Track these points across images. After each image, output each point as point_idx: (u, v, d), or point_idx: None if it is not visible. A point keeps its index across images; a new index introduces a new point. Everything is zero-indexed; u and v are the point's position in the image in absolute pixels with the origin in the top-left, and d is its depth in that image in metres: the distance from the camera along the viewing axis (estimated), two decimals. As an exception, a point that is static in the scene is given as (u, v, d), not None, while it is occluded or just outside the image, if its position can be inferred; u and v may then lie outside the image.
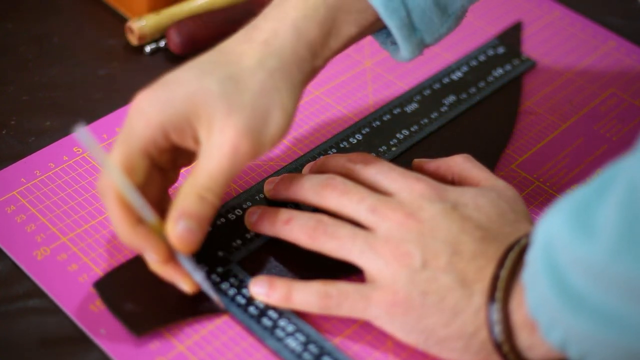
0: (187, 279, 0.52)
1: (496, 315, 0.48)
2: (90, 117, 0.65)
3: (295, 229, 0.53)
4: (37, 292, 0.54)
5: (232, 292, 0.53)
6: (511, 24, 0.78)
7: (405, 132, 0.65)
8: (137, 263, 0.53)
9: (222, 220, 0.57)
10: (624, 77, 0.74)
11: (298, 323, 0.52)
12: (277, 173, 0.61)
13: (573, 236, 0.43)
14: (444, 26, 0.56)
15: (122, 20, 0.75)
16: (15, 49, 0.72)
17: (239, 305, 0.53)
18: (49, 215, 0.58)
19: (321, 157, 0.59)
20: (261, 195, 0.59)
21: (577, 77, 0.74)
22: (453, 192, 0.53)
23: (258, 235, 0.57)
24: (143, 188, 0.51)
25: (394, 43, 0.58)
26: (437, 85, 0.70)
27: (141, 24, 0.71)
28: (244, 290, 0.53)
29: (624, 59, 0.76)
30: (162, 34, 0.73)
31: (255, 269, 0.55)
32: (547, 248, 0.45)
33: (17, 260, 0.55)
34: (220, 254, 0.55)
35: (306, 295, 0.51)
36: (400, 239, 0.50)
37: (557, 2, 0.82)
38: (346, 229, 0.52)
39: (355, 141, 0.64)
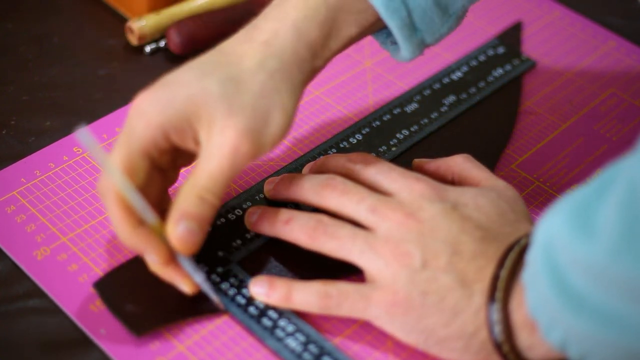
0: (188, 280, 0.52)
1: (496, 315, 0.48)
2: (90, 117, 0.65)
3: (295, 229, 0.53)
4: (37, 292, 0.54)
5: (232, 292, 0.53)
6: (511, 24, 0.78)
7: (405, 132, 0.65)
8: (137, 263, 0.53)
9: (222, 220, 0.57)
10: (624, 77, 0.74)
11: (298, 323, 0.52)
12: (277, 173, 0.61)
13: (573, 236, 0.43)
14: (445, 26, 0.56)
15: (122, 20, 0.75)
16: (15, 49, 0.72)
17: (239, 305, 0.53)
18: (49, 215, 0.58)
19: (321, 157, 0.59)
20: (261, 195, 0.59)
21: (577, 77, 0.74)
22: (453, 192, 0.53)
23: (258, 235, 0.57)
24: (143, 189, 0.51)
25: (394, 43, 0.58)
26: (437, 85, 0.70)
27: (141, 24, 0.71)
28: (244, 290, 0.53)
29: (624, 59, 0.76)
30: (162, 34, 0.73)
31: (255, 269, 0.55)
32: (547, 248, 0.45)
33: (17, 260, 0.55)
34: (220, 254, 0.55)
35: (306, 295, 0.51)
36: (400, 239, 0.50)
37: (557, 2, 0.82)
38: (346, 229, 0.52)
39: (355, 141, 0.64)
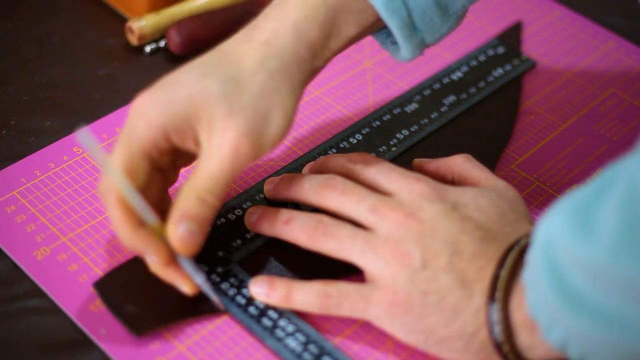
0: (188, 281, 0.52)
1: (496, 315, 0.48)
2: (90, 117, 0.65)
3: (295, 229, 0.53)
4: (37, 292, 0.54)
5: (232, 292, 0.53)
6: (511, 24, 0.78)
7: (405, 132, 0.65)
8: (137, 263, 0.53)
9: (222, 220, 0.57)
10: (624, 77, 0.74)
11: (298, 323, 0.52)
12: (277, 173, 0.61)
13: (573, 236, 0.43)
14: (445, 26, 0.56)
15: (122, 20, 0.75)
16: (15, 49, 0.72)
17: (239, 305, 0.53)
18: (49, 215, 0.58)
19: (321, 157, 0.59)
20: (261, 195, 0.59)
21: (577, 77, 0.74)
22: (453, 192, 0.53)
23: (258, 235, 0.57)
24: (143, 189, 0.51)
25: (394, 43, 0.58)
26: (437, 85, 0.70)
27: (141, 24, 0.71)
28: (244, 290, 0.53)
29: (624, 59, 0.76)
30: (162, 34, 0.73)
31: (255, 269, 0.55)
32: (547, 248, 0.45)
33: (17, 260, 0.55)
34: (220, 254, 0.55)
35: (306, 295, 0.51)
36: (400, 239, 0.50)
37: (557, 2, 0.82)
38: (346, 229, 0.52)
39: (355, 141, 0.64)
